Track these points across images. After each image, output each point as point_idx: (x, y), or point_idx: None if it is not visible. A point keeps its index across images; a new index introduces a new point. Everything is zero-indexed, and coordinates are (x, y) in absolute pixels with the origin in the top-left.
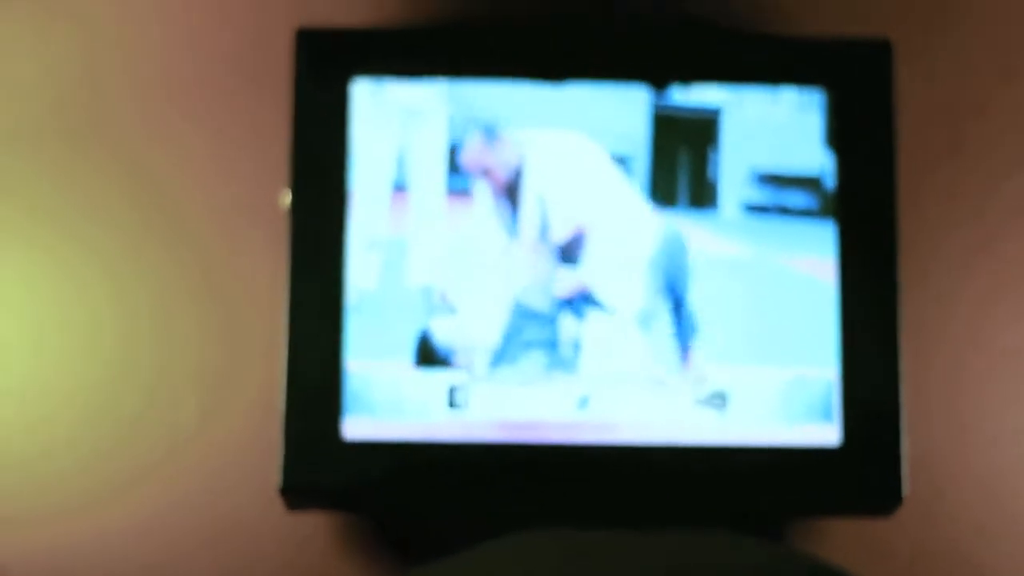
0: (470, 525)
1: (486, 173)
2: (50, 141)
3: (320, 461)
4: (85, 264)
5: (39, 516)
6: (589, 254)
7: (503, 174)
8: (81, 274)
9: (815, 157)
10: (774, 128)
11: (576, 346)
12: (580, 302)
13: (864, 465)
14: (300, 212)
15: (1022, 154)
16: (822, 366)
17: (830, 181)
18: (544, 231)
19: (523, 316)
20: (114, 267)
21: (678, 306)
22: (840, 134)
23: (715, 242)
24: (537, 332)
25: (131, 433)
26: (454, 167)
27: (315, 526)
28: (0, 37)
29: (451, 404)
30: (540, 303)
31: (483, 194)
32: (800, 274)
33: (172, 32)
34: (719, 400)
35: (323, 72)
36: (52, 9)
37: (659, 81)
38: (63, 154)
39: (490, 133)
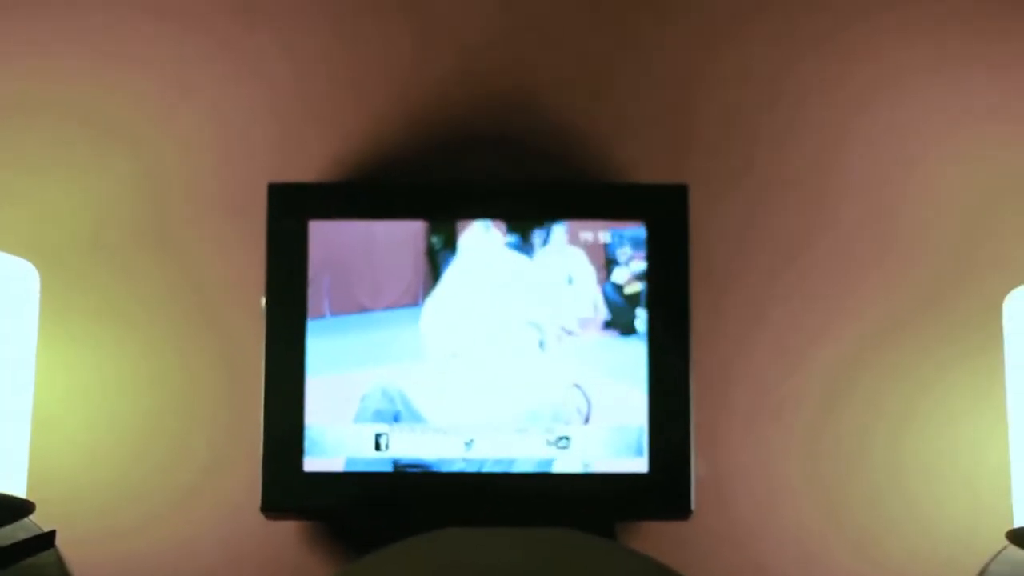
0: (396, 529)
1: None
2: (113, 249)
3: (288, 487)
4: (140, 347)
5: (108, 535)
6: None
7: None
8: (137, 356)
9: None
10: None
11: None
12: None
13: (665, 486)
14: (272, 312)
15: (783, 264)
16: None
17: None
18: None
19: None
20: (158, 350)
21: None
22: (652, 252)
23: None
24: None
25: (169, 469)
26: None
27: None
28: (78, 162)
29: (376, 447)
30: None
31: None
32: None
33: (198, 167)
34: (564, 441)
35: (287, 213)
36: (115, 136)
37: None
38: (131, 257)
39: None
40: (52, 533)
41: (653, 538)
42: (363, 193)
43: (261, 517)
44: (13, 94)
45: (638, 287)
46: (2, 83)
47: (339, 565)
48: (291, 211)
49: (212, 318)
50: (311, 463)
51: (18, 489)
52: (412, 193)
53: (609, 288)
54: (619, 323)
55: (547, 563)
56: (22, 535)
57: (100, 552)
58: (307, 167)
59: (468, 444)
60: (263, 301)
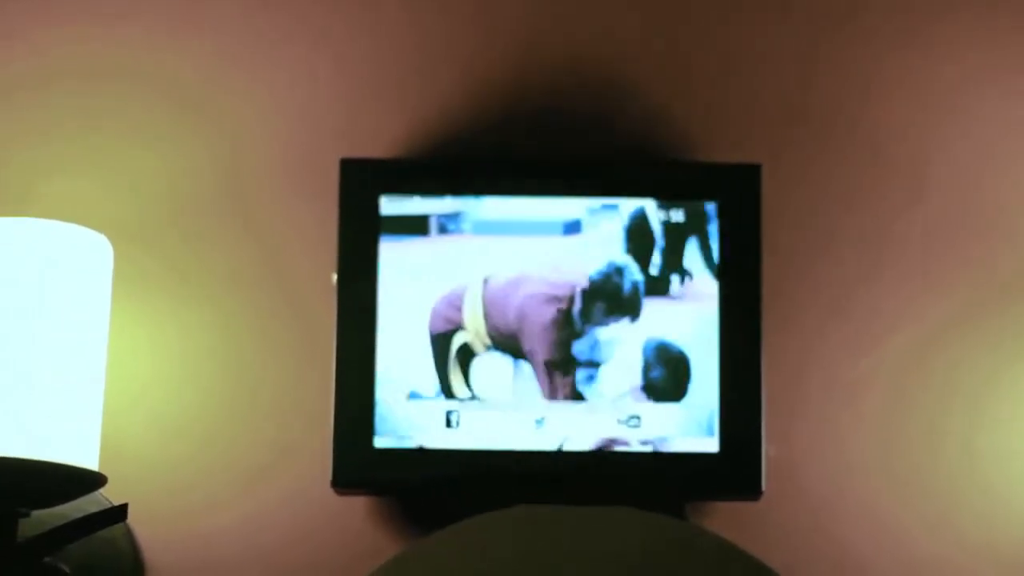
0: (465, 506)
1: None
2: (186, 222)
3: (359, 463)
4: (212, 322)
5: (178, 513)
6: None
7: None
8: (208, 331)
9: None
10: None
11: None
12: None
13: (736, 467)
14: (344, 289)
15: (859, 249)
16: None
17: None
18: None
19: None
20: (230, 325)
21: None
22: (724, 232)
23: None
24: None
25: (243, 446)
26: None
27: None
28: (151, 132)
29: (447, 424)
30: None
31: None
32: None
33: (272, 140)
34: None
35: (359, 189)
36: (189, 108)
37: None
38: (204, 231)
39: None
40: (124, 506)
41: (722, 519)
42: (434, 169)
43: (332, 494)
44: (88, 62)
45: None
46: (77, 50)
47: (409, 542)
48: (363, 186)
49: (284, 293)
50: (382, 439)
51: (90, 462)
52: (482, 170)
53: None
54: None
55: (617, 542)
56: (92, 508)
57: (169, 529)
58: (377, 143)
59: (539, 422)
60: (334, 277)
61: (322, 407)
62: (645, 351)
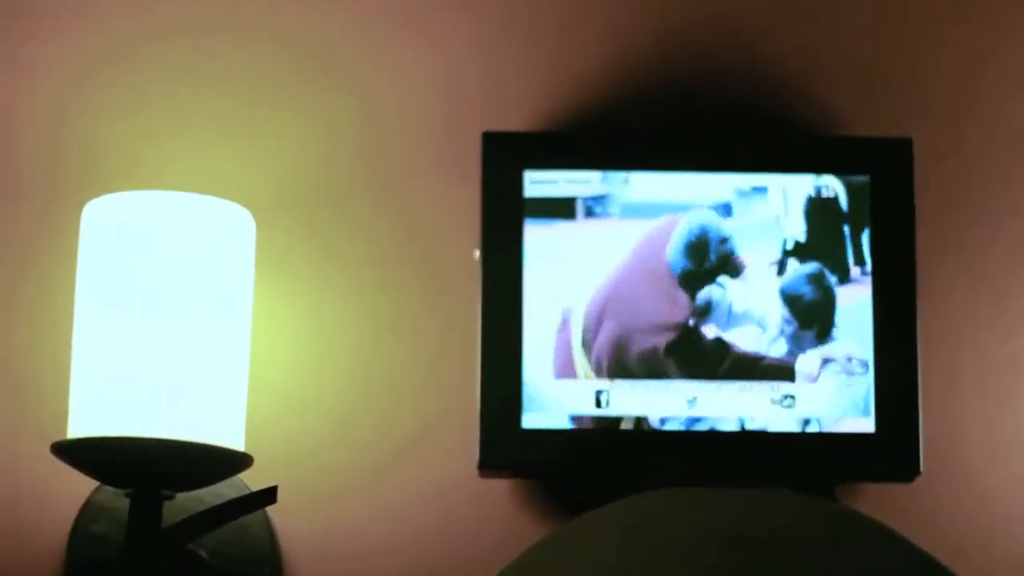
0: (614, 488)
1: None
2: (335, 195)
3: (506, 444)
4: (353, 300)
5: (316, 497)
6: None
7: None
8: (350, 309)
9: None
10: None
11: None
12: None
13: (892, 447)
14: (488, 264)
15: (1014, 224)
16: (863, 378)
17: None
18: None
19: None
20: (372, 302)
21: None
22: (876, 207)
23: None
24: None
25: (382, 426)
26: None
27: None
28: (292, 100)
29: (596, 404)
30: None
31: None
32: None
33: (413, 111)
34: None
35: (502, 163)
36: (330, 74)
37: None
38: (344, 205)
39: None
40: (274, 489)
41: (874, 500)
42: (580, 143)
43: (474, 476)
44: (232, 27)
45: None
46: (223, 13)
47: (554, 524)
48: (506, 161)
49: (425, 269)
50: (530, 419)
51: (236, 443)
52: (626, 143)
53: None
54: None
55: (770, 524)
56: (229, 493)
57: (306, 513)
58: (519, 117)
59: (691, 402)
60: (477, 254)
61: (464, 388)
62: None
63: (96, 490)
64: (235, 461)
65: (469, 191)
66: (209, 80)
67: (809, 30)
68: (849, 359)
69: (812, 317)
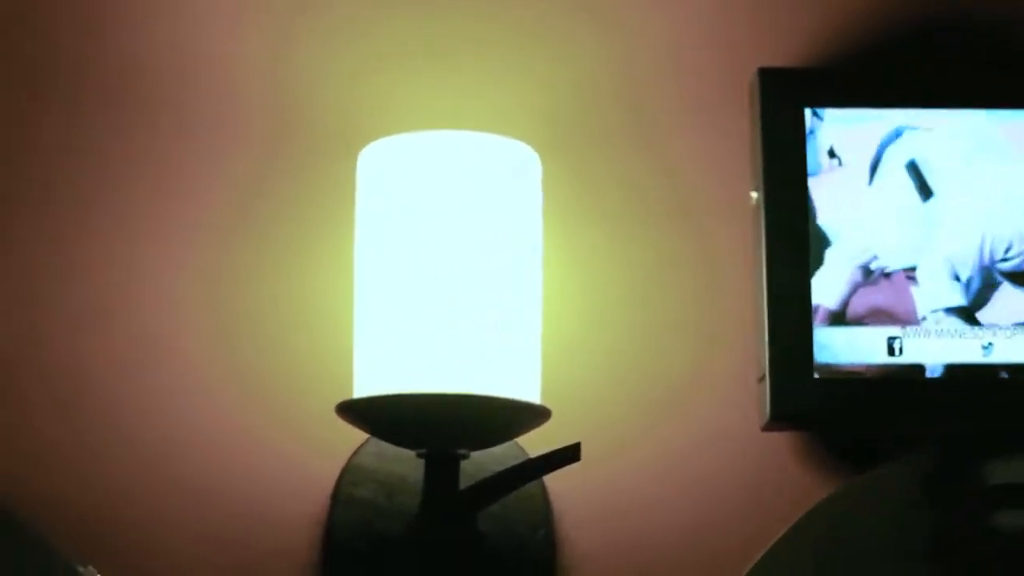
0: (903, 440)
1: None
2: (599, 136)
3: (796, 395)
4: (622, 248)
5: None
6: None
7: None
8: (622, 259)
9: None
10: None
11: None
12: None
13: None
14: (770, 211)
15: None
16: None
17: None
18: None
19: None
20: (640, 251)
21: None
22: None
23: None
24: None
25: (651, 381)
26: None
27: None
28: (560, 47)
29: (889, 352)
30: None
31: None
32: None
33: (678, 52)
34: None
35: (780, 101)
36: (598, 17)
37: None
38: (610, 148)
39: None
40: (577, 446)
41: None
42: (863, 78)
43: (755, 429)
44: None
45: None
46: None
47: (838, 479)
48: (785, 98)
49: (691, 216)
50: (820, 369)
51: (532, 395)
52: (914, 78)
53: None
54: None
55: None
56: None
57: (576, 472)
58: (784, 54)
59: (986, 348)
60: (754, 195)
61: (737, 338)
62: None
63: (355, 452)
64: (535, 413)
65: (738, 131)
66: (491, 26)
67: None
68: None
69: None
